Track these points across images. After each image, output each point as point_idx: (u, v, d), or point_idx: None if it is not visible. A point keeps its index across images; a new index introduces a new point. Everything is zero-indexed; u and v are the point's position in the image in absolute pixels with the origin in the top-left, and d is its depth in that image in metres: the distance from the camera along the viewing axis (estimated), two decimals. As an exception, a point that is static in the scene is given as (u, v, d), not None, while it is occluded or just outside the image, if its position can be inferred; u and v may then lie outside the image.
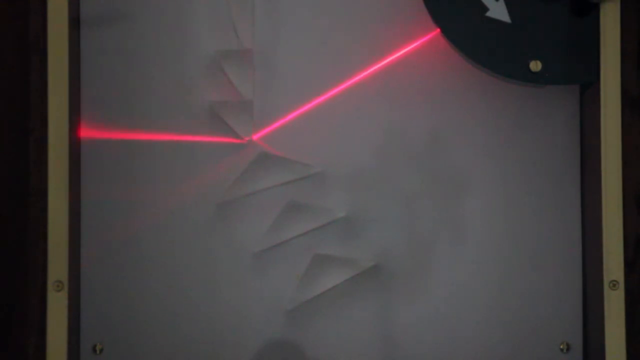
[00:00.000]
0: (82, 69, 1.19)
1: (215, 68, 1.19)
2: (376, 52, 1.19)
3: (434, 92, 1.19)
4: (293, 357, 1.19)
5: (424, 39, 1.19)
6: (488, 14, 1.12)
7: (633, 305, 1.10)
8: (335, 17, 1.19)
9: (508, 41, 1.12)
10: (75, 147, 1.16)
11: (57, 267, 1.10)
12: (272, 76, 1.19)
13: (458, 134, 1.19)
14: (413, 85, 1.19)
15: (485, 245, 1.19)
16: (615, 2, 1.10)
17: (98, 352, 1.18)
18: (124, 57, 1.19)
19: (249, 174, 1.19)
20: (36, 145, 1.11)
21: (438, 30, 1.12)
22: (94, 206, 1.19)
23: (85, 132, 1.19)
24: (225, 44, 1.19)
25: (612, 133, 1.10)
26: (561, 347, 1.18)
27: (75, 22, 1.16)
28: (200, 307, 1.19)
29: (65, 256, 1.11)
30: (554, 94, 1.19)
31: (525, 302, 1.19)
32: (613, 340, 1.09)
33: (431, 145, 1.19)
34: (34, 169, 1.11)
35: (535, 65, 1.12)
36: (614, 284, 1.09)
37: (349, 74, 1.19)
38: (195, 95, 1.19)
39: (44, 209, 1.10)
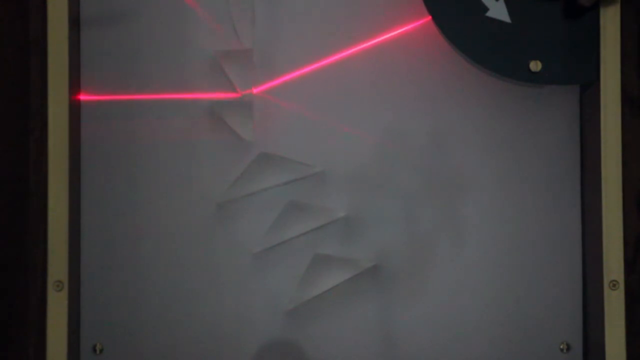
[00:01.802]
0: (82, 69, 1.19)
1: (215, 68, 1.19)
2: (375, 53, 1.19)
3: (433, 92, 1.20)
4: (293, 357, 1.19)
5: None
6: (488, 14, 1.12)
7: (633, 305, 1.10)
8: (336, 17, 1.20)
9: (508, 41, 1.12)
10: (75, 147, 1.16)
11: (57, 267, 1.10)
12: (271, 71, 1.20)
13: (458, 134, 1.19)
14: (413, 86, 1.19)
15: (485, 245, 1.19)
16: (615, 3, 1.10)
17: (98, 352, 1.18)
18: (124, 57, 1.19)
19: (249, 174, 1.19)
20: (36, 145, 1.11)
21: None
22: (94, 206, 1.19)
23: (86, 133, 1.19)
24: (225, 44, 1.19)
25: (612, 133, 1.10)
26: (561, 347, 1.18)
27: (75, 22, 1.16)
28: (200, 307, 1.19)
29: (65, 256, 1.11)
30: (554, 94, 1.19)
31: (525, 302, 1.19)
32: (613, 340, 1.09)
33: (431, 145, 1.19)
34: (34, 169, 1.11)
35: (535, 65, 1.12)
36: (614, 284, 1.10)
37: (347, 75, 1.19)
38: (194, 94, 1.19)
39: (44, 209, 1.10)
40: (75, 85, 1.16)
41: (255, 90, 1.19)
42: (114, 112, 1.19)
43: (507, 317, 1.19)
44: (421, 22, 1.18)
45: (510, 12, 1.12)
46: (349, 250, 1.19)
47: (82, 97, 1.18)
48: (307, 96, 1.19)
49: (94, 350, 1.18)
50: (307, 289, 1.19)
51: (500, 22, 1.12)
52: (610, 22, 1.10)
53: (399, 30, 1.19)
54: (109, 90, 1.19)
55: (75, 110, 1.16)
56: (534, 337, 1.19)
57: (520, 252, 1.19)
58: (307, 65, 1.19)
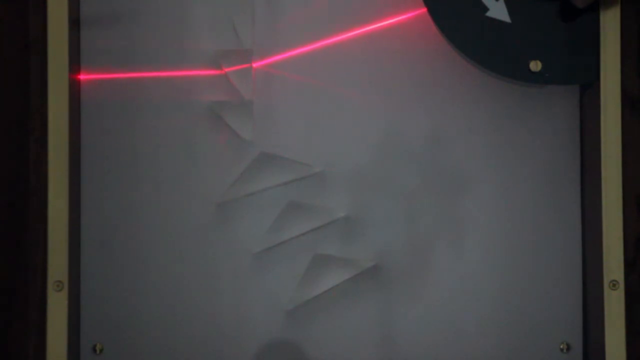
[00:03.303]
0: (82, 69, 1.19)
1: (215, 68, 1.19)
2: (376, 54, 1.20)
3: (433, 92, 1.20)
4: (293, 357, 1.19)
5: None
6: (488, 14, 1.12)
7: (633, 305, 1.10)
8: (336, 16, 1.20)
9: (508, 41, 1.12)
10: (75, 147, 1.16)
11: (57, 267, 1.10)
12: (272, 75, 1.20)
13: (458, 134, 1.19)
14: (412, 86, 1.19)
15: (485, 245, 1.19)
16: (615, 4, 1.10)
17: (98, 352, 1.18)
18: (123, 57, 1.19)
19: (249, 174, 1.19)
20: (36, 145, 1.11)
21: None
22: (94, 206, 1.19)
23: (86, 134, 1.19)
24: (225, 44, 1.19)
25: (612, 133, 1.10)
26: (561, 347, 1.18)
27: (75, 22, 1.16)
28: (201, 307, 1.19)
29: (65, 256, 1.11)
30: (554, 94, 1.19)
31: (525, 302, 1.19)
32: (613, 340, 1.09)
33: (431, 145, 1.19)
34: (34, 169, 1.11)
35: (535, 65, 1.12)
36: (614, 284, 1.10)
37: (347, 77, 1.19)
38: (195, 95, 1.19)
39: (44, 209, 1.10)
40: (75, 85, 1.16)
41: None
42: (115, 111, 1.19)
43: (507, 317, 1.19)
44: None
45: (510, 12, 1.12)
46: (349, 250, 1.19)
47: (82, 97, 1.18)
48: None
49: (94, 350, 1.18)
50: (307, 289, 1.19)
51: (500, 22, 1.12)
52: (610, 22, 1.10)
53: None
54: (109, 90, 1.19)
55: (75, 110, 1.16)
56: (534, 337, 1.19)
57: (520, 252, 1.19)
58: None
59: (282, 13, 1.20)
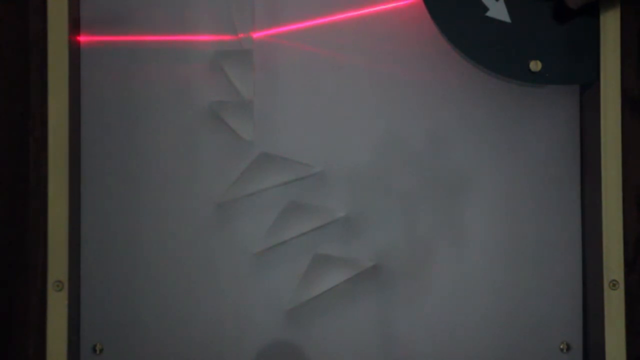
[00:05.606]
0: (82, 69, 1.19)
1: (215, 68, 1.19)
2: (377, 56, 1.20)
3: (433, 92, 1.20)
4: (293, 357, 1.19)
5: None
6: (488, 14, 1.12)
7: (633, 305, 1.10)
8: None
9: (508, 41, 1.12)
10: (75, 147, 1.16)
11: (57, 267, 1.10)
12: (274, 76, 1.20)
13: (457, 134, 1.19)
14: (412, 86, 1.19)
15: (485, 245, 1.19)
16: (614, 4, 1.10)
17: (98, 352, 1.18)
18: (124, 57, 1.19)
19: (249, 174, 1.19)
20: (36, 145, 1.11)
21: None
22: (94, 206, 1.19)
23: (86, 133, 1.19)
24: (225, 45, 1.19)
25: (612, 133, 1.10)
26: (561, 347, 1.18)
27: (75, 22, 1.16)
28: (201, 307, 1.19)
29: (65, 256, 1.11)
30: (554, 94, 1.19)
31: (525, 302, 1.19)
32: (613, 340, 1.09)
33: (430, 145, 1.19)
34: (34, 169, 1.11)
35: (535, 65, 1.12)
36: (614, 284, 1.10)
37: (348, 79, 1.19)
38: (195, 96, 1.19)
39: (44, 209, 1.10)
40: (75, 85, 1.16)
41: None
42: (115, 112, 1.19)
43: (507, 317, 1.19)
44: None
45: (510, 12, 1.12)
46: (349, 249, 1.19)
47: (82, 98, 1.18)
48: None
49: (94, 350, 1.18)
50: (307, 289, 1.19)
51: (500, 22, 1.12)
52: (610, 22, 1.10)
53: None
54: (110, 90, 1.19)
55: (75, 110, 1.16)
56: (534, 337, 1.19)
57: (520, 252, 1.19)
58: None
59: None
